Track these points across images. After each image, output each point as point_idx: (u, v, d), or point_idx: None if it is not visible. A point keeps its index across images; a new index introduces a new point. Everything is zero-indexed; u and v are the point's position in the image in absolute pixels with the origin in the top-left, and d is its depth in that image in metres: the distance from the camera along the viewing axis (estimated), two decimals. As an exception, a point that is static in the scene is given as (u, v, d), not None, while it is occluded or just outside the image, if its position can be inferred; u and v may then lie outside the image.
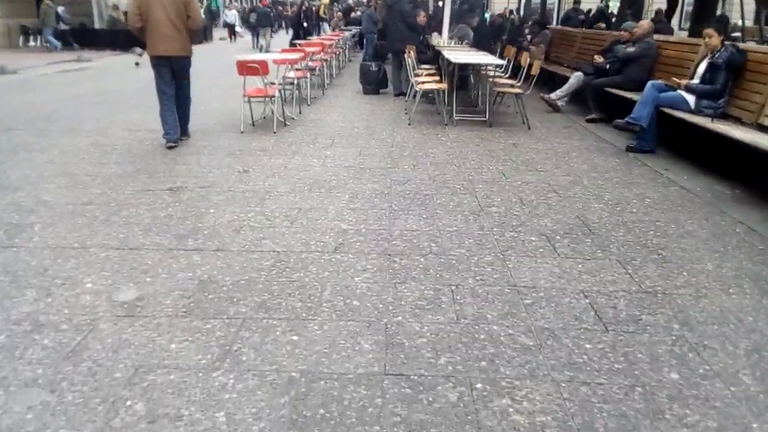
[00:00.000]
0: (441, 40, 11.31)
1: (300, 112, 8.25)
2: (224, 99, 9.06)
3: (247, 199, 4.43)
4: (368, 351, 2.45)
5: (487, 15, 24.84)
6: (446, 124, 7.47)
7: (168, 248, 3.49)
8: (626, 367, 2.38)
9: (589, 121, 7.91)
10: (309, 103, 9.03)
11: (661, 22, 17.51)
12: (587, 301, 2.93)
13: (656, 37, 7.81)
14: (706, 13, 20.93)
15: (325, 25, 22.45)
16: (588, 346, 2.53)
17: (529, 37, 13.24)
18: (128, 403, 2.11)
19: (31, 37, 20.83)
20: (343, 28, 20.77)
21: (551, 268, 3.29)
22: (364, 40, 16.75)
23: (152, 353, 2.42)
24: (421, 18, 10.31)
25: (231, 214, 4.10)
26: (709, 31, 5.87)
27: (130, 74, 12.80)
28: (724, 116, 5.67)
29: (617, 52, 7.81)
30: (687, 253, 3.55)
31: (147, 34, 5.95)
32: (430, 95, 8.73)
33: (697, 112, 5.82)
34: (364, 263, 3.31)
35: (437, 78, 8.44)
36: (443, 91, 7.62)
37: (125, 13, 17.93)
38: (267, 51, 21.44)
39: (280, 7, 40.88)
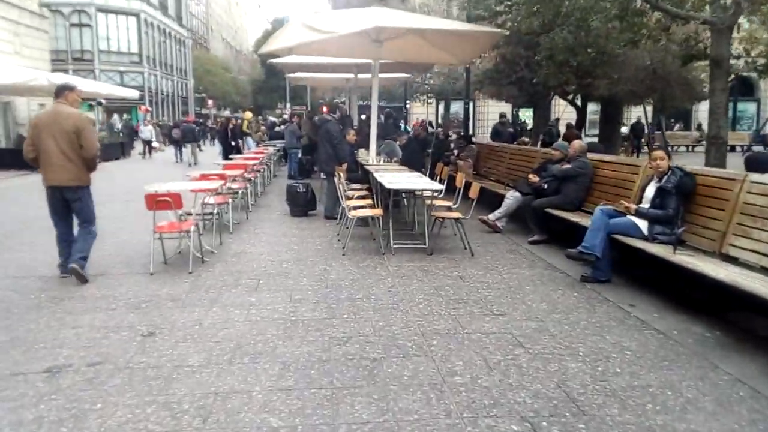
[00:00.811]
0: (369, 158, 10.97)
1: (221, 243, 7.43)
2: (136, 229, 8.14)
3: (149, 382, 3.50)
4: None
5: (409, 128, 25.39)
6: (384, 253, 6.84)
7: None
8: None
9: (532, 242, 7.51)
10: (231, 230, 8.24)
11: (573, 135, 18.31)
12: None
13: (591, 156, 7.67)
14: (611, 120, 22.33)
15: (249, 140, 22.08)
16: None
17: (455, 151, 13.23)
18: None
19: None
20: (267, 143, 20.47)
21: (548, 478, 2.54)
22: (288, 155, 16.40)
23: None
24: (351, 137, 9.96)
25: (124, 411, 3.15)
26: (660, 153, 5.64)
27: (34, 198, 11.66)
28: (680, 243, 5.32)
29: (552, 170, 7.58)
30: (699, 436, 2.91)
31: (40, 165, 5.70)
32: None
33: (650, 238, 5.46)
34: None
35: (370, 201, 7.91)
36: (379, 217, 7.03)
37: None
38: (195, 165, 20.76)
39: (207, 122, 40.83)
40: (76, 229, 5.94)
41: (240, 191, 9.40)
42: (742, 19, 12.62)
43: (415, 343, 4.09)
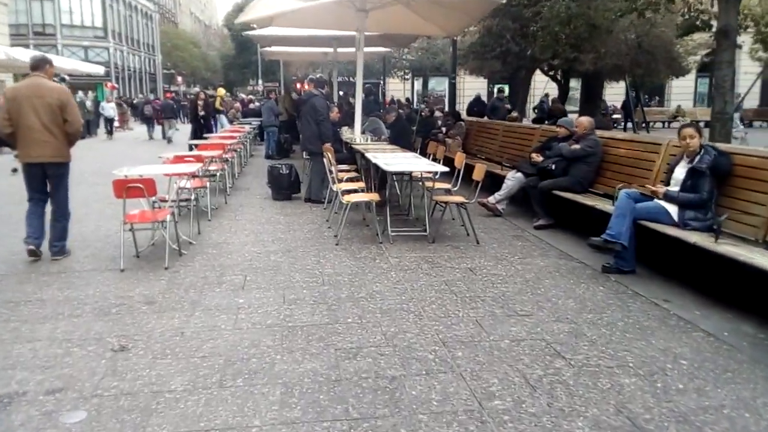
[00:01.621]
0: (354, 136, 10.30)
1: (199, 233, 6.73)
2: (104, 216, 7.40)
3: (122, 416, 2.85)
4: None
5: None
6: (381, 242, 6.22)
7: None
8: None
9: (538, 227, 6.97)
10: (210, 216, 7.53)
11: (559, 109, 17.78)
12: None
13: (602, 133, 7.13)
14: (593, 96, 21.91)
15: (223, 118, 21.10)
16: None
17: (443, 129, 12.61)
18: None
19: None
20: (242, 120, 19.57)
21: None
22: (265, 133, 15.61)
23: None
24: (334, 114, 9.27)
25: (92, 461, 2.52)
26: (689, 131, 5.09)
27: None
28: (715, 230, 4.81)
29: (560, 150, 7.02)
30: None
31: (18, 140, 5.47)
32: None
33: (682, 225, 4.93)
34: None
35: (362, 184, 7.26)
36: (373, 203, 6.39)
37: None
38: (170, 143, 19.87)
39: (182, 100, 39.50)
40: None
41: (218, 173, 8.66)
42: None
43: (437, 356, 3.50)
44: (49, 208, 5.74)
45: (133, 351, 3.60)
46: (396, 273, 5.17)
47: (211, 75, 61.03)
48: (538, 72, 23.42)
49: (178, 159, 7.15)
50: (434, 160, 8.22)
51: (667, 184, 5.27)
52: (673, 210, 5.02)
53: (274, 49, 17.43)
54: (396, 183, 8.51)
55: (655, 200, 5.17)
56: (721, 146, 5.13)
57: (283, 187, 8.90)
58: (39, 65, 5.54)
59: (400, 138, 9.59)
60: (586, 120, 7.03)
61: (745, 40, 35.30)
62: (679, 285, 4.86)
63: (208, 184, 7.60)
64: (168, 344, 3.69)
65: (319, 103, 8.36)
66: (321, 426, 2.75)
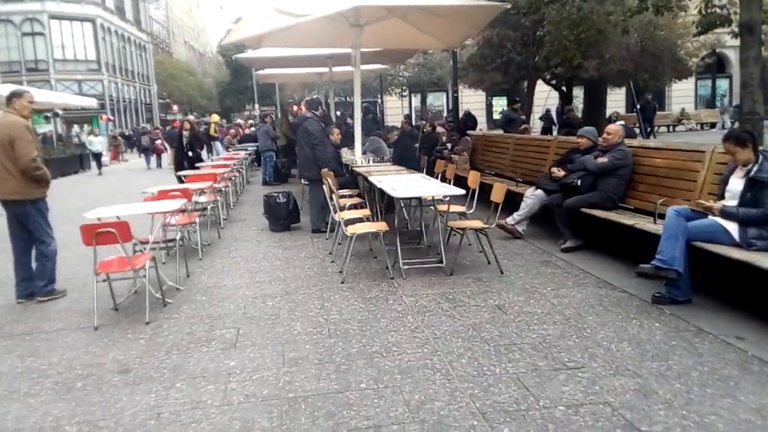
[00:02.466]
0: (355, 158, 9.63)
1: (188, 276, 6.02)
2: (84, 261, 6.66)
3: None
4: None
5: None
6: (392, 277, 5.50)
7: None
8: None
9: (565, 250, 6.25)
10: (200, 255, 6.82)
11: (575, 117, 17.14)
12: None
13: (630, 142, 6.44)
14: (596, 104, 21.27)
15: (218, 145, 20.52)
16: None
17: (449, 145, 11.95)
18: None
19: None
20: (237, 146, 18.96)
21: None
22: (262, 159, 14.97)
23: None
24: (335, 136, 8.59)
25: None
26: (729, 146, 4.41)
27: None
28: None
29: (585, 163, 6.32)
30: None
31: None
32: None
33: (745, 244, 4.22)
34: None
35: (367, 212, 6.55)
36: (382, 233, 5.66)
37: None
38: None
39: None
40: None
41: (209, 206, 7.97)
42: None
43: (477, 435, 2.77)
44: None
45: (95, 445, 2.87)
46: (413, 317, 4.44)
47: (207, 102, 60.76)
48: (538, 82, 22.89)
49: (163, 194, 6.46)
50: (443, 180, 7.53)
51: (721, 197, 4.56)
52: (732, 228, 4.31)
53: (268, 72, 16.87)
54: (404, 208, 7.81)
55: (710, 217, 4.46)
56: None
57: (281, 217, 8.20)
58: (7, 100, 5.33)
59: (405, 157, 8.92)
60: (615, 128, 6.34)
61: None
62: (749, 317, 4.12)
63: (198, 219, 6.91)
64: (140, 433, 2.97)
65: (312, 126, 7.69)
66: None
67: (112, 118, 43.66)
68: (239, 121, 38.92)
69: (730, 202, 4.42)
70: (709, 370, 3.34)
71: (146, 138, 24.60)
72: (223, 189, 9.92)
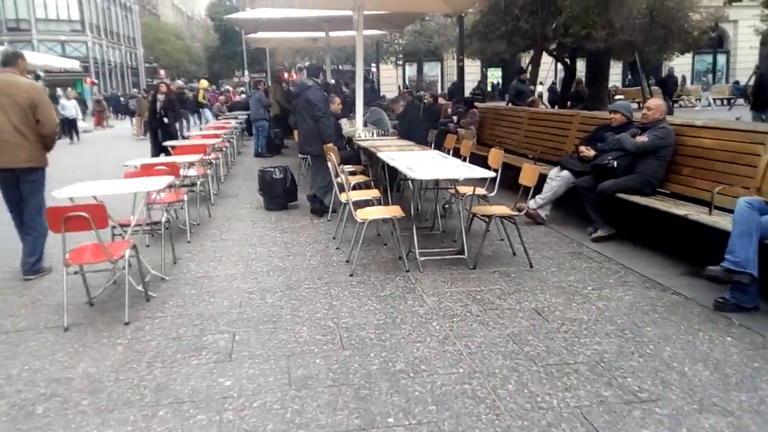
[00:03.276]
0: (356, 130, 8.91)
1: (174, 262, 5.33)
2: (55, 243, 5.96)
3: None
4: None
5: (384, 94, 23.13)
6: (408, 270, 4.84)
7: None
8: None
9: (597, 240, 5.62)
10: (189, 237, 6.13)
11: (583, 90, 16.37)
12: None
13: (672, 119, 5.77)
14: (599, 77, 20.51)
15: (207, 112, 19.64)
16: None
17: (454, 118, 11.22)
18: None
19: None
20: (227, 114, 18.10)
21: None
22: (254, 128, 14.16)
23: None
24: (336, 106, 7.85)
25: None
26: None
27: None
28: None
29: (622, 142, 5.64)
30: None
31: None
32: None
33: (829, 245, 3.61)
34: None
35: (377, 192, 5.84)
36: (397, 219, 4.96)
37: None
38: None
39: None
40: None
41: (199, 181, 7.24)
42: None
43: (550, 504, 2.15)
44: None
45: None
46: (439, 322, 3.80)
47: (196, 67, 59.16)
48: (527, 54, 21.96)
49: (147, 169, 5.73)
50: (456, 156, 6.83)
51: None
52: (814, 224, 3.68)
53: (259, 35, 15.93)
54: (410, 185, 7.13)
55: (787, 211, 3.83)
56: None
57: (278, 195, 7.49)
58: (9, 60, 4.96)
59: (412, 131, 8.17)
60: (656, 103, 5.66)
61: (743, 14, 34.09)
62: (834, 330, 3.53)
63: (186, 196, 6.18)
64: (111, 488, 2.32)
65: (315, 95, 6.92)
66: None
67: (96, 81, 42.34)
68: (228, 87, 37.84)
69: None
70: (814, 406, 2.74)
71: (134, 102, 23.59)
72: (214, 161, 9.18)
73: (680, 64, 37.25)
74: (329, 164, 6.06)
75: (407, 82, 34.68)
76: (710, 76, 36.14)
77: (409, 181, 6.86)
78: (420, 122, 8.68)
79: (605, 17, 14.34)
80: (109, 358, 3.46)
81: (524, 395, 2.88)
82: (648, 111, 5.58)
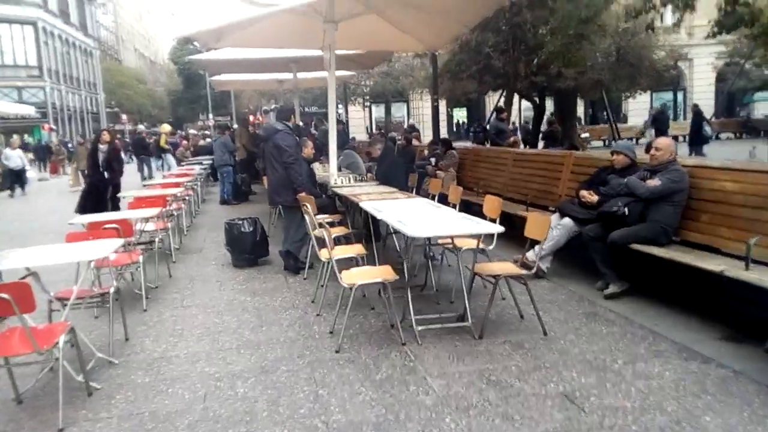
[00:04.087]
0: (332, 176, 8.26)
1: (126, 339, 4.52)
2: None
3: None
4: None
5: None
6: (404, 343, 4.13)
7: None
8: None
9: (609, 297, 5.02)
10: (145, 305, 5.32)
11: (557, 130, 16.09)
12: None
13: (685, 161, 5.26)
14: (568, 115, 20.44)
15: (169, 157, 18.81)
16: None
17: (432, 160, 10.67)
18: None
19: None
20: (191, 160, 17.31)
21: None
22: (219, 174, 13.42)
23: None
24: (309, 150, 7.23)
25: None
26: None
27: None
28: None
29: (632, 187, 5.10)
30: None
31: None
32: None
33: None
34: None
35: (361, 249, 5.14)
36: (389, 283, 4.26)
37: None
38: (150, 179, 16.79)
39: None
40: None
41: (158, 237, 6.45)
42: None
43: None
44: None
45: None
46: (453, 418, 3.09)
47: (159, 111, 58.26)
48: (491, 94, 21.73)
49: (94, 229, 4.94)
50: (443, 203, 6.20)
51: None
52: None
53: (224, 77, 15.32)
54: (396, 238, 6.47)
55: None
56: None
57: (247, 251, 6.74)
58: None
59: (392, 175, 7.53)
60: (665, 143, 5.15)
61: (699, 53, 34.95)
62: None
63: (141, 257, 5.39)
64: None
65: (285, 140, 6.25)
66: None
67: (54, 127, 41.05)
68: (191, 131, 36.96)
69: None
70: None
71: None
72: (175, 213, 8.40)
73: (639, 102, 37.88)
74: (306, 216, 5.38)
75: (374, 123, 34.47)
76: (648, 115, 36.34)
77: (393, 234, 6.22)
78: (400, 166, 8.08)
79: (580, 55, 14.19)
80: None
81: None
82: (656, 152, 5.07)
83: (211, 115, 45.65)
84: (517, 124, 20.42)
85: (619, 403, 3.18)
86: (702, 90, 37.87)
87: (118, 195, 9.24)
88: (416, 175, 8.74)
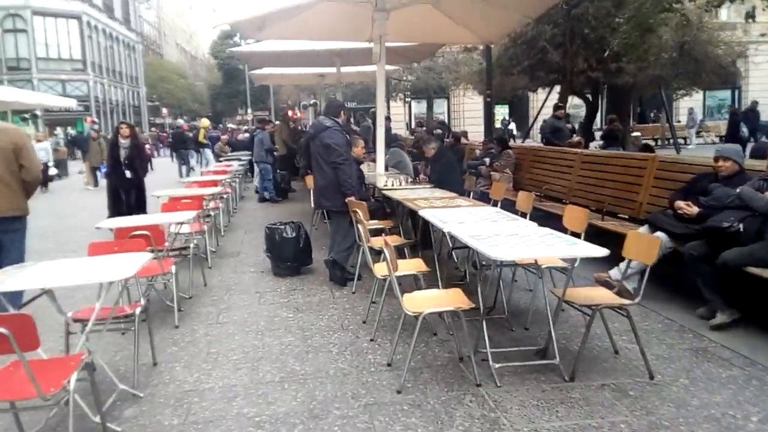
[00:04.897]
0: (381, 177, 7.62)
1: (155, 364, 3.94)
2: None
3: None
4: None
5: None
6: (479, 384, 3.44)
7: None
8: None
9: (717, 328, 4.23)
10: (177, 320, 4.74)
11: (618, 129, 15.08)
12: None
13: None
14: (622, 115, 19.31)
15: (208, 152, 18.43)
16: None
17: (486, 160, 9.92)
18: None
19: None
20: (229, 155, 16.88)
21: None
22: (256, 171, 12.90)
23: None
24: (359, 150, 6.58)
25: None
26: None
27: None
28: None
29: (746, 198, 4.30)
30: None
31: None
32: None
33: None
34: None
35: (421, 264, 4.45)
36: (461, 312, 3.55)
37: None
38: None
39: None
40: None
41: (192, 245, 5.87)
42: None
43: None
44: None
45: None
46: (560, 502, 2.39)
47: (199, 106, 58.60)
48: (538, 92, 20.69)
49: (120, 239, 4.38)
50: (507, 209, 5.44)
51: None
52: None
53: (264, 71, 14.82)
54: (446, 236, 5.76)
55: None
56: None
57: (288, 258, 6.13)
58: None
59: (448, 178, 6.83)
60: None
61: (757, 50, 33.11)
62: None
63: (174, 267, 4.81)
64: None
65: (334, 138, 5.58)
66: None
67: (97, 120, 41.47)
68: (230, 125, 36.82)
69: None
70: None
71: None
72: (212, 213, 7.86)
73: (692, 101, 36.06)
74: (358, 224, 4.73)
75: (413, 119, 33.63)
76: (695, 112, 34.33)
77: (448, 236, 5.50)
78: (457, 167, 7.38)
79: (650, 48, 13.18)
80: None
81: None
82: (778, 157, 4.26)
83: (249, 110, 45.60)
84: (576, 124, 19.25)
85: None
86: (759, 90, 35.91)
87: (145, 198, 8.43)
88: (473, 178, 7.99)
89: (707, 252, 4.35)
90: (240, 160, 14.18)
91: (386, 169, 8.29)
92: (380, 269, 4.35)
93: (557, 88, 18.88)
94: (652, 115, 34.21)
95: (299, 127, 15.71)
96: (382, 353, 3.97)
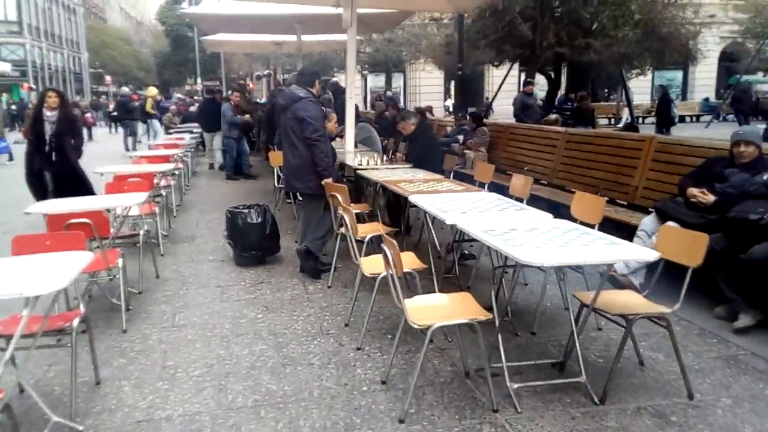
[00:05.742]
0: (350, 154, 6.99)
1: (98, 383, 3.24)
2: None
3: None
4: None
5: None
6: (496, 409, 2.89)
7: None
8: None
9: (741, 332, 3.82)
10: (124, 323, 4.02)
11: (588, 106, 14.70)
12: None
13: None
14: (582, 90, 19.07)
15: (155, 123, 17.24)
16: None
17: (460, 137, 9.37)
18: None
19: None
20: (179, 126, 15.82)
21: None
22: (208, 143, 12.00)
23: None
24: (332, 125, 5.91)
25: None
26: None
27: None
28: None
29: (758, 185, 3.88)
30: None
31: None
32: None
33: None
34: None
35: (416, 261, 3.86)
36: (476, 324, 2.97)
37: None
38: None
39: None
40: None
41: (142, 231, 5.11)
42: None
43: None
44: None
45: None
46: None
47: (144, 74, 55.95)
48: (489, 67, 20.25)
49: (55, 225, 3.62)
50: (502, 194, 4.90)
51: None
52: None
53: (218, 37, 13.78)
54: (427, 220, 5.20)
55: None
56: None
57: (253, 246, 5.45)
58: None
59: (426, 157, 6.23)
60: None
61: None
62: None
63: (121, 261, 4.07)
64: None
65: (309, 111, 4.88)
66: None
67: (34, 87, 38.98)
68: (178, 95, 35.14)
69: None
70: None
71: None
72: (164, 193, 7.07)
73: (644, 80, 36.24)
74: (340, 213, 4.11)
75: (369, 93, 32.74)
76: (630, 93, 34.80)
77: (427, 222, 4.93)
78: (437, 146, 6.77)
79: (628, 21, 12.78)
80: None
81: None
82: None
83: (199, 80, 43.68)
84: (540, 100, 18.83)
85: None
86: (705, 70, 36.40)
87: (86, 184, 6.76)
88: (454, 157, 7.42)
89: (728, 245, 3.92)
90: (192, 132, 13.22)
91: (355, 146, 7.66)
92: (369, 265, 3.75)
93: (516, 66, 18.48)
94: (605, 93, 34.38)
95: (252, 100, 14.79)
96: (373, 367, 3.38)
